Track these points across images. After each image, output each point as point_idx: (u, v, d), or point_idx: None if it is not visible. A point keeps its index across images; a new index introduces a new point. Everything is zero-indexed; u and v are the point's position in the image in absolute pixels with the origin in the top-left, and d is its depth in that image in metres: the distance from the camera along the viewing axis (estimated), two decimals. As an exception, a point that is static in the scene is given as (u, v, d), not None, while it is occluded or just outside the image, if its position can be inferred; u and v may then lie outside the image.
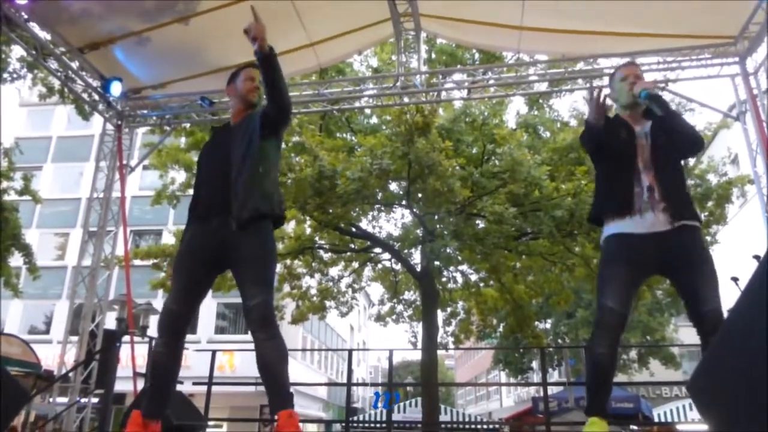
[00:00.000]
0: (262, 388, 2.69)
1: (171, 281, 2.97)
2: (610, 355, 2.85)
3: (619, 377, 20.48)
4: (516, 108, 20.93)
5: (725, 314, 2.63)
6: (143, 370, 6.17)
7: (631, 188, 2.93)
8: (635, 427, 13.09)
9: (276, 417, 2.60)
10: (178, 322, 2.86)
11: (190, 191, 13.33)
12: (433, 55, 12.82)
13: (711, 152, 14.34)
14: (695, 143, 2.96)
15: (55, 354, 9.75)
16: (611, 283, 2.88)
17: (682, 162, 3.10)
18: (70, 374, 6.74)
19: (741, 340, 1.33)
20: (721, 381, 1.34)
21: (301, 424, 2.63)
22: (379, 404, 23.11)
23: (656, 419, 14.92)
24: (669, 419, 15.28)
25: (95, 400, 7.09)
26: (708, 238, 12.12)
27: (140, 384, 6.43)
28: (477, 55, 12.76)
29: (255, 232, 2.82)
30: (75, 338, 7.11)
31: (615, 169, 3.03)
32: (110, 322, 8.63)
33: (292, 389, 2.70)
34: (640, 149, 3.00)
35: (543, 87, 8.90)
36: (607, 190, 3.08)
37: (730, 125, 12.46)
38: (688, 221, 2.85)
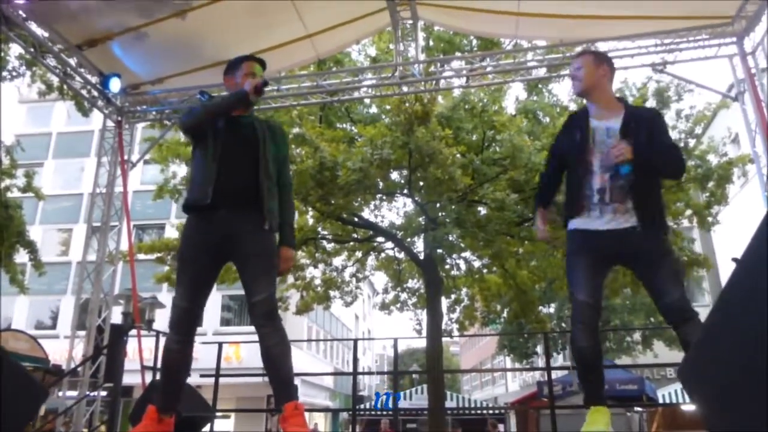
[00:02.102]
0: (268, 379, 2.74)
1: (176, 276, 2.95)
2: (592, 346, 2.90)
3: (623, 359, 20.57)
4: (515, 94, 20.86)
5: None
6: (150, 363, 6.24)
7: (582, 191, 2.95)
8: (639, 409, 13.17)
9: (282, 408, 2.65)
10: (190, 319, 2.87)
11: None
12: (431, 43, 12.78)
13: (711, 132, 14.30)
14: (675, 168, 3.04)
15: (62, 349, 9.82)
16: (576, 275, 2.94)
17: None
18: (79, 369, 6.81)
19: (732, 324, 1.33)
20: (712, 366, 1.35)
21: (307, 414, 2.68)
22: (380, 404, 23.18)
23: (660, 400, 15.01)
24: (673, 400, 15.36)
25: (104, 393, 7.17)
26: (709, 219, 12.13)
27: (148, 377, 6.50)
28: (475, 42, 12.72)
29: (266, 230, 2.87)
30: (82, 333, 7.18)
31: (571, 169, 3.06)
32: (116, 316, 8.71)
33: (297, 379, 2.75)
34: (597, 147, 2.95)
35: (541, 72, 8.88)
36: (566, 190, 3.11)
37: (729, 105, 12.42)
38: (646, 228, 2.84)
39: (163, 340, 6.23)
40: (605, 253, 2.92)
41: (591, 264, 2.92)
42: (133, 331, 7.31)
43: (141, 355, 6.75)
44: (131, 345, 7.39)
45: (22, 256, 12.71)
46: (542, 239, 3.20)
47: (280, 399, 2.67)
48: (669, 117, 13.34)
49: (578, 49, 7.68)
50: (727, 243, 14.46)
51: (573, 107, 13.33)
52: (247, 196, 2.85)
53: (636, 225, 2.83)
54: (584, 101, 3.19)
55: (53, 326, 24.49)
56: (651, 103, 12.75)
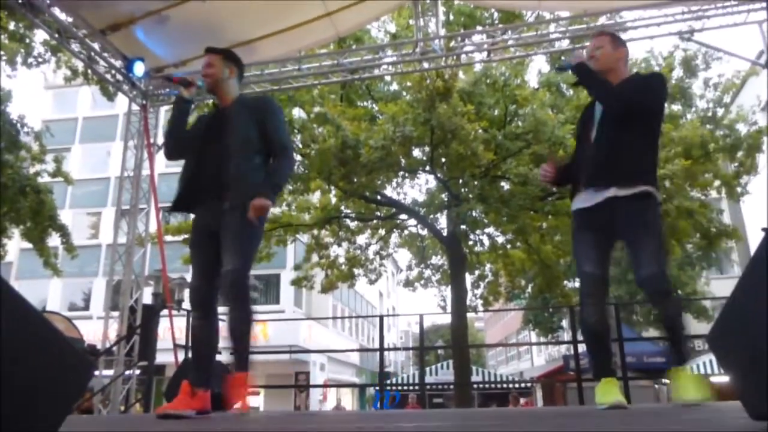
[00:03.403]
0: (295, 356, 2.85)
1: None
2: (600, 321, 2.96)
3: (651, 332, 20.45)
4: (537, 67, 20.55)
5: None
6: (182, 342, 6.39)
7: (578, 170, 3.04)
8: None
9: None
10: (204, 296, 3.05)
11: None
12: (452, 17, 12.62)
13: (740, 101, 13.98)
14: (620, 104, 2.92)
15: (95, 329, 10.10)
16: (580, 249, 3.02)
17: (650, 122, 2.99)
18: (114, 348, 7.01)
19: (760, 292, 1.33)
20: (740, 334, 1.36)
21: (335, 389, 2.76)
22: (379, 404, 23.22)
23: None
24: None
25: (138, 371, 7.37)
26: (738, 189, 11.93)
27: (180, 355, 6.66)
28: (496, 14, 12.53)
29: (228, 209, 2.97)
30: (115, 313, 7.37)
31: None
32: (146, 297, 8.90)
33: (324, 356, 2.86)
34: (592, 124, 3.05)
35: (565, 44, 8.74)
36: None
37: (759, 72, 12.13)
38: (620, 190, 2.83)
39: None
40: (600, 228, 2.96)
41: (592, 238, 2.98)
42: (165, 311, 7.48)
43: (173, 334, 6.91)
44: (162, 324, 7.56)
45: (54, 240, 13.01)
46: (543, 177, 3.26)
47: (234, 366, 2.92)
48: (697, 86, 13.03)
49: (603, 19, 7.55)
50: (757, 213, 14.18)
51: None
52: (216, 186, 2.99)
53: (614, 195, 2.85)
54: None
55: (86, 307, 25.11)
56: (678, 73, 12.47)
